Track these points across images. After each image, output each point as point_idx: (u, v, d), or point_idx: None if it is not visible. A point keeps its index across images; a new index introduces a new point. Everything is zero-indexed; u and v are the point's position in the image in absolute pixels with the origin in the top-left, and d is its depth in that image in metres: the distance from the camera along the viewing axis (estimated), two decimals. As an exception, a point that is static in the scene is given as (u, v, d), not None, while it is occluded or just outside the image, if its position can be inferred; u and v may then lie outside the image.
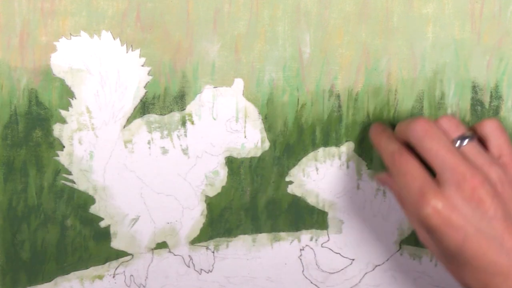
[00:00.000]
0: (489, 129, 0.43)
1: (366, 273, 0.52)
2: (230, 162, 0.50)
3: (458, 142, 0.42)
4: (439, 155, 0.40)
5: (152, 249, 0.51)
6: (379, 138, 0.45)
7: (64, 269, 0.50)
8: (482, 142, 0.43)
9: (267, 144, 0.50)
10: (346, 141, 0.50)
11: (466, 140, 0.42)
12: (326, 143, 0.50)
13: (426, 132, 0.41)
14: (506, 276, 0.39)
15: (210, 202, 0.51)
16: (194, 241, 0.51)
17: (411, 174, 0.41)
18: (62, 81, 0.48)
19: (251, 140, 0.49)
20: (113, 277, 0.51)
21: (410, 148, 0.42)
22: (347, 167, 0.50)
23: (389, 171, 0.43)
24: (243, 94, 0.49)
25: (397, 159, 0.42)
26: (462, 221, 0.39)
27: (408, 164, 0.41)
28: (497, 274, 0.39)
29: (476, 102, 0.49)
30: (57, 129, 0.48)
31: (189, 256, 0.51)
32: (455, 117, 0.44)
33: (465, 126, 0.43)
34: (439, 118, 0.43)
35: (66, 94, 0.48)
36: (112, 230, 0.50)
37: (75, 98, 0.48)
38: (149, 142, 0.49)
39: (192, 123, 0.49)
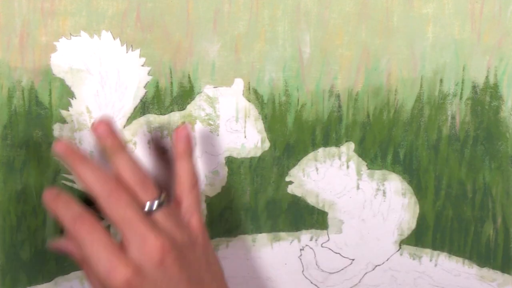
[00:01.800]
0: (182, 190, 0.43)
1: (366, 273, 0.52)
2: (230, 162, 0.50)
3: (147, 207, 0.41)
4: (126, 219, 0.40)
5: (152, 249, 0.51)
6: (55, 203, 0.41)
7: (64, 269, 0.50)
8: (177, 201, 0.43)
9: (267, 144, 0.50)
10: (346, 141, 0.50)
11: (156, 204, 0.41)
12: (326, 143, 0.50)
13: (113, 195, 0.40)
14: None
15: (210, 202, 0.51)
16: (194, 241, 0.51)
17: (96, 243, 0.39)
18: (62, 81, 0.48)
19: (251, 140, 0.50)
20: (113, 277, 0.51)
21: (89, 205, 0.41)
22: (347, 167, 0.50)
23: (71, 237, 0.41)
24: (243, 94, 0.49)
25: (79, 226, 0.40)
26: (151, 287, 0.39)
27: (92, 231, 0.39)
28: None
29: (476, 102, 0.50)
30: (57, 129, 0.48)
31: (189, 256, 0.51)
32: (149, 178, 0.42)
33: (157, 189, 0.42)
34: (133, 180, 0.41)
35: (66, 94, 0.48)
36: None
37: (75, 98, 0.48)
38: (149, 142, 0.49)
39: (192, 123, 0.49)
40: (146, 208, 0.41)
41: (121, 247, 0.40)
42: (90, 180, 0.40)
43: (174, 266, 0.40)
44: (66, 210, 0.41)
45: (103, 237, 0.40)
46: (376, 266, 0.52)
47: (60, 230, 0.49)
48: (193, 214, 0.43)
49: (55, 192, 0.42)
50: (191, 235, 0.42)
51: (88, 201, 0.41)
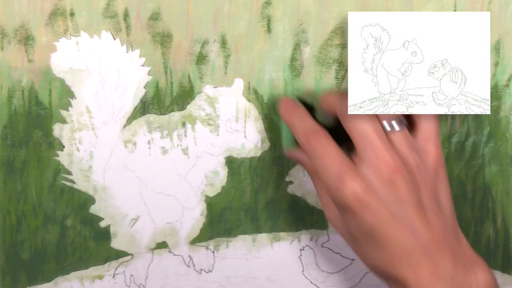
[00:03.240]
0: (420, 115, 0.43)
1: (366, 273, 0.52)
2: (230, 162, 0.50)
3: (387, 126, 0.41)
4: (364, 135, 0.40)
5: (152, 249, 0.51)
6: (290, 115, 0.44)
7: (64, 269, 0.50)
8: (412, 125, 0.43)
9: (267, 144, 0.50)
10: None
11: (396, 126, 0.41)
12: (326, 143, 0.50)
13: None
14: (410, 256, 0.39)
15: (210, 202, 0.51)
16: (194, 241, 0.51)
17: (328, 156, 0.40)
18: (62, 81, 0.48)
19: (251, 140, 0.50)
20: (113, 277, 0.51)
21: (321, 123, 0.43)
22: (347, 167, 0.50)
23: (303, 149, 0.43)
24: (243, 94, 0.49)
25: (312, 140, 0.41)
26: (377, 204, 0.39)
27: (324, 145, 0.41)
28: (403, 254, 0.39)
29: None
30: (57, 129, 0.48)
31: (189, 256, 0.51)
32: None
33: None
34: None
35: (66, 94, 0.48)
36: (112, 230, 0.50)
37: (75, 98, 0.48)
38: (149, 142, 0.49)
39: (192, 123, 0.49)
40: (388, 128, 0.41)
41: (352, 162, 0.41)
42: (333, 97, 0.43)
43: (403, 187, 0.40)
44: (300, 123, 0.43)
45: (334, 151, 0.41)
46: (376, 266, 0.52)
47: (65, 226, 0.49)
48: (430, 140, 0.42)
49: (291, 104, 0.45)
50: (425, 160, 0.42)
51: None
